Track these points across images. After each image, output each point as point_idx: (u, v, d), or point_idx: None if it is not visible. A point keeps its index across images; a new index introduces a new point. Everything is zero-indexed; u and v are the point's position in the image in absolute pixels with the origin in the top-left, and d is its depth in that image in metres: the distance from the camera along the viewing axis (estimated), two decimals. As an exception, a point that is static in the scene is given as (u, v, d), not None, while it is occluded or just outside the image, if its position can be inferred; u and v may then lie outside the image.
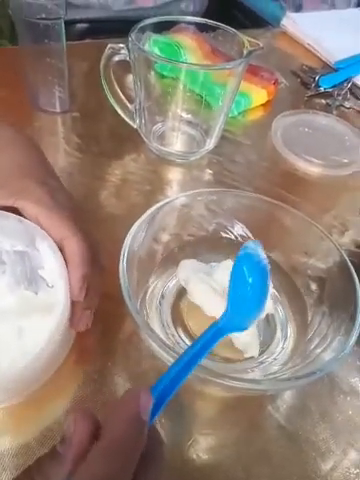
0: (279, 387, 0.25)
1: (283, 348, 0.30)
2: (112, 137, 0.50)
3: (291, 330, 0.32)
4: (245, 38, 0.42)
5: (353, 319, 0.27)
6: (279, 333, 0.31)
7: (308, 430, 0.29)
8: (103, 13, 0.98)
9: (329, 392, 0.31)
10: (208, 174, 0.48)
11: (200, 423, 0.29)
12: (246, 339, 0.29)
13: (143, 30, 0.43)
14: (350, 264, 0.30)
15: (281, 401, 0.30)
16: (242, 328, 0.27)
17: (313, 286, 0.33)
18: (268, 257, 0.35)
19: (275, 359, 0.30)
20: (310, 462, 0.28)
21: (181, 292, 0.33)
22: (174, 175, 0.48)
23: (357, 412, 0.30)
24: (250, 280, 0.26)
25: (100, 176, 0.45)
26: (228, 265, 0.32)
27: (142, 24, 0.42)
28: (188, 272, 0.32)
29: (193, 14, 1.02)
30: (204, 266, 0.33)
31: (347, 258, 0.31)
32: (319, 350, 0.28)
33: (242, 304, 0.26)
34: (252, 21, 1.03)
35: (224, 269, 0.31)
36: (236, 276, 0.26)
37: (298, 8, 0.98)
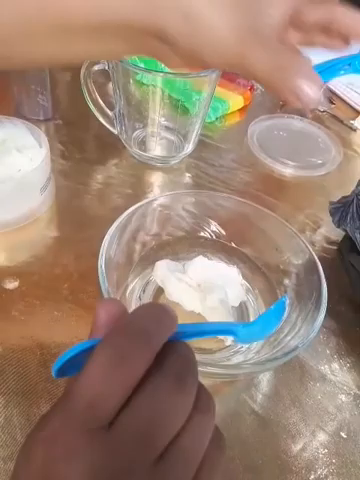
0: (251, 370, 0.27)
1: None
2: (94, 143, 0.52)
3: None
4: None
5: (318, 308, 0.29)
6: (252, 319, 0.33)
7: (280, 415, 0.31)
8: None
9: (300, 379, 0.33)
10: (187, 177, 0.50)
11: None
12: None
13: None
14: (317, 259, 0.33)
15: (255, 389, 0.32)
16: (243, 342, 0.28)
17: (284, 280, 0.35)
18: (242, 253, 0.38)
19: (249, 348, 0.32)
20: (281, 444, 0.30)
21: (159, 291, 0.35)
22: (154, 179, 0.49)
23: (326, 397, 0.32)
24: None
25: (83, 181, 0.47)
26: (200, 261, 0.34)
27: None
28: (164, 272, 0.34)
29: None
30: (178, 265, 0.35)
31: (314, 254, 0.33)
32: (289, 338, 0.30)
33: (259, 331, 0.26)
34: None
35: (196, 265, 0.34)
36: (274, 312, 0.26)
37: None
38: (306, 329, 0.29)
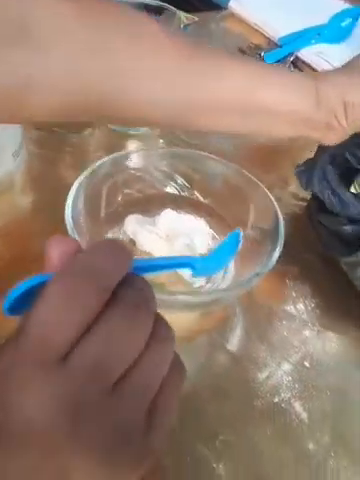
0: (218, 296, 0.29)
1: (224, 277, 0.34)
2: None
3: (231, 264, 0.36)
4: (182, 14, 0.46)
5: (274, 249, 0.31)
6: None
7: (249, 350, 0.33)
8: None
9: (267, 319, 0.35)
10: (160, 143, 0.52)
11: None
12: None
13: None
14: (277, 207, 0.34)
15: (227, 331, 0.34)
16: (201, 274, 0.30)
17: (247, 229, 0.37)
18: (209, 207, 0.39)
19: (218, 287, 0.34)
20: (249, 374, 0.32)
21: (130, 244, 0.37)
22: (129, 145, 0.51)
23: (292, 333, 0.35)
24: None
25: (57, 149, 0.48)
26: (167, 213, 0.36)
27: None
28: (134, 225, 0.36)
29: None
30: (148, 219, 0.37)
31: (275, 203, 0.35)
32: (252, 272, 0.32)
33: (216, 262, 0.28)
34: (206, 4, 1.07)
35: (165, 217, 0.35)
36: (229, 244, 0.28)
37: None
38: (266, 262, 0.31)
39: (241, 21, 0.78)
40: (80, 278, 0.15)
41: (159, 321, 0.17)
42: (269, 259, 0.30)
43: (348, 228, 0.36)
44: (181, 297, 0.28)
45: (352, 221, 0.36)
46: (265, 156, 0.52)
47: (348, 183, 0.39)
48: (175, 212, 0.37)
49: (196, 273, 0.25)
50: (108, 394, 0.15)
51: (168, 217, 0.36)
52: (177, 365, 0.18)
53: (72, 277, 0.15)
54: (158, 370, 0.17)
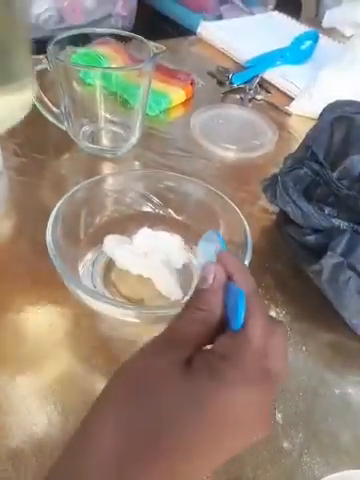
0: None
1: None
2: (45, 140, 0.55)
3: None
4: (152, 44, 0.49)
5: (244, 259, 0.33)
6: (196, 279, 0.37)
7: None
8: (35, 34, 1.03)
9: (241, 327, 0.37)
10: (136, 165, 0.54)
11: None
12: (169, 285, 0.35)
13: (62, 43, 0.49)
14: (244, 221, 0.37)
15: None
16: None
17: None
18: (184, 224, 0.42)
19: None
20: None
21: (109, 263, 0.39)
22: (105, 168, 0.53)
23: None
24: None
25: (37, 175, 0.50)
26: (144, 231, 0.38)
27: (59, 37, 0.48)
28: (112, 245, 0.38)
29: (122, 29, 1.08)
30: (125, 238, 0.39)
31: (242, 217, 0.37)
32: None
33: None
34: (179, 31, 1.12)
35: (141, 235, 0.37)
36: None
37: (219, 18, 1.08)
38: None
39: (210, 46, 0.82)
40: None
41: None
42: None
43: (312, 238, 0.38)
44: (160, 311, 0.30)
45: (315, 231, 0.39)
46: (235, 173, 0.55)
47: (311, 195, 0.42)
48: (151, 230, 0.39)
49: None
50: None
51: (145, 235, 0.38)
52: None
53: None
54: None
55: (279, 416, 0.32)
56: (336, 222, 0.38)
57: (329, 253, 0.36)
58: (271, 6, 1.17)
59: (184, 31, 1.07)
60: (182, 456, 0.18)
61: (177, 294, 0.36)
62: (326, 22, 0.61)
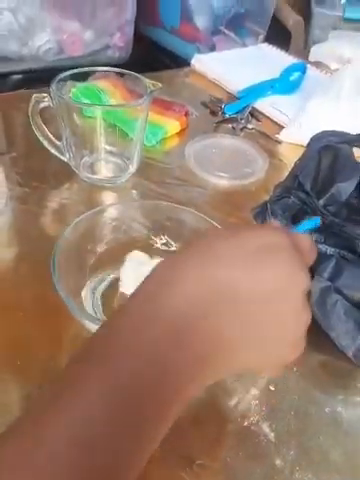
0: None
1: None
2: (47, 171, 0.58)
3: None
4: (148, 81, 0.52)
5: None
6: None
7: (219, 380, 0.37)
8: (36, 64, 1.07)
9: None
10: (134, 194, 0.57)
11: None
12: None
13: (64, 80, 0.52)
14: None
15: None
16: None
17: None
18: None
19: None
20: (220, 402, 0.35)
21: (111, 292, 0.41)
22: (105, 197, 0.56)
23: (258, 361, 0.38)
24: None
25: (39, 204, 0.53)
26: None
27: (62, 76, 0.51)
28: (128, 265, 0.40)
29: (119, 60, 1.13)
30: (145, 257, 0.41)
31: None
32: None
33: None
34: (174, 61, 1.17)
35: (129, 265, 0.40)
36: None
37: (212, 48, 1.13)
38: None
39: (203, 77, 0.86)
40: None
41: None
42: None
43: (300, 263, 0.41)
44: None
45: (304, 256, 0.41)
46: (228, 200, 0.58)
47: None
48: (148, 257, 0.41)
49: None
50: None
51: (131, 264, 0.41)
52: None
53: None
54: None
55: (272, 435, 0.33)
56: (323, 248, 0.40)
57: (316, 277, 0.38)
58: (261, 37, 1.22)
59: (179, 61, 1.12)
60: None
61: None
62: (313, 56, 0.65)
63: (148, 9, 1.19)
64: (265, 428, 0.34)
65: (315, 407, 0.36)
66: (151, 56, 1.27)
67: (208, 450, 0.33)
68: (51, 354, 0.37)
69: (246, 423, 0.34)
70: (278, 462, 0.32)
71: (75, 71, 0.53)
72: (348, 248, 0.39)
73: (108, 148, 0.56)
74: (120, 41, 1.13)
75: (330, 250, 0.40)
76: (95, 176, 0.56)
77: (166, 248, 0.44)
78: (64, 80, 0.52)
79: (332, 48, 0.59)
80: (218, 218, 0.53)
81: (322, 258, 0.39)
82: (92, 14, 1.06)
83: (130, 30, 1.12)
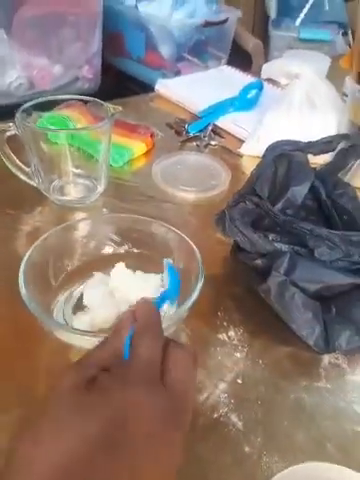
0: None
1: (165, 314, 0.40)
2: (18, 196, 0.60)
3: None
4: (109, 105, 0.56)
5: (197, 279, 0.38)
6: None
7: (190, 377, 0.39)
8: (7, 100, 1.10)
9: (205, 347, 0.41)
10: (104, 212, 0.59)
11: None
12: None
13: (29, 110, 0.55)
14: (197, 252, 0.41)
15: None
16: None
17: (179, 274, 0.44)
18: (146, 259, 0.46)
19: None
20: (191, 397, 0.37)
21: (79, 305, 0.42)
22: (76, 217, 0.58)
23: (225, 356, 0.40)
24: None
25: (13, 228, 0.55)
26: (118, 269, 0.42)
27: (26, 105, 0.54)
28: (91, 285, 0.42)
29: (89, 90, 1.18)
30: (106, 277, 0.43)
31: (196, 249, 0.42)
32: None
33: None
34: (143, 88, 1.22)
35: (115, 274, 0.42)
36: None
37: (177, 74, 1.18)
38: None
39: (167, 100, 0.91)
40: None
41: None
42: (193, 292, 0.37)
43: (259, 262, 0.43)
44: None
45: (262, 255, 0.44)
46: (195, 212, 0.60)
47: (259, 225, 0.47)
48: (129, 270, 0.43)
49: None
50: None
51: (121, 274, 0.43)
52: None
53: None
54: None
55: (240, 424, 0.35)
56: (278, 246, 0.43)
57: (273, 273, 0.41)
58: (224, 61, 1.29)
59: (147, 87, 1.17)
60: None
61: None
62: (264, 74, 0.70)
63: (114, 41, 1.26)
64: (233, 418, 0.35)
65: (280, 395, 0.38)
66: (120, 85, 1.33)
67: (181, 444, 0.34)
68: (27, 370, 0.38)
69: (216, 415, 0.36)
70: (247, 449, 0.34)
71: (39, 100, 0.56)
72: (300, 244, 0.42)
73: (76, 171, 0.59)
74: (88, 73, 1.18)
75: (284, 247, 0.43)
76: (65, 198, 0.58)
77: (132, 257, 0.47)
78: (29, 109, 0.55)
79: (281, 65, 0.64)
80: (187, 229, 0.56)
81: (277, 255, 0.42)
82: (59, 49, 1.10)
83: (98, 62, 1.17)
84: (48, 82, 1.13)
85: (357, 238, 0.40)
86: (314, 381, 0.39)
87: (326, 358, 0.41)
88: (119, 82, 1.34)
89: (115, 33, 1.25)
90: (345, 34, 0.61)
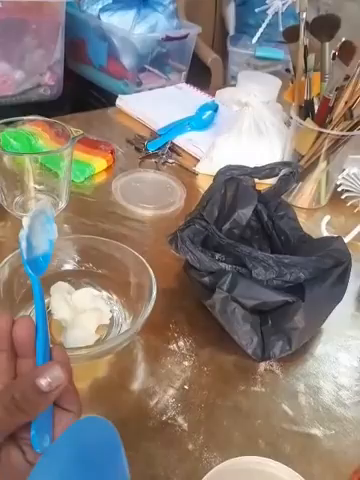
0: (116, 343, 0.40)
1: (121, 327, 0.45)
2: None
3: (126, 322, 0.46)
4: (72, 129, 0.59)
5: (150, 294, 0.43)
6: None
7: (140, 384, 0.43)
8: (-32, 104, 1.10)
9: (155, 358, 0.46)
10: (66, 228, 0.63)
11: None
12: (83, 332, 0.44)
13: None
14: (151, 271, 0.46)
15: (124, 370, 0.44)
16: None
17: (133, 290, 0.48)
18: (103, 276, 0.50)
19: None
20: (142, 403, 0.42)
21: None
22: (37, 233, 0.61)
23: (174, 365, 0.45)
24: None
25: (-26, 244, 0.57)
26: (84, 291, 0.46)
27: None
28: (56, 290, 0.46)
29: (51, 97, 1.19)
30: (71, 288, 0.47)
31: (148, 266, 0.47)
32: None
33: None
34: (105, 96, 1.25)
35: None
36: None
37: (139, 84, 1.23)
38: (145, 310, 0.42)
39: (129, 116, 0.95)
40: None
41: None
42: (147, 307, 0.41)
43: (206, 279, 0.48)
44: (83, 351, 0.38)
45: (209, 273, 0.49)
46: (153, 228, 0.65)
47: (209, 245, 0.52)
48: (93, 289, 0.48)
49: None
50: None
51: (83, 292, 0.47)
52: None
53: None
54: None
55: (185, 425, 0.40)
56: (223, 265, 0.48)
57: (217, 290, 0.46)
58: (184, 73, 1.34)
59: (108, 95, 1.20)
60: None
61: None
62: (218, 99, 0.75)
63: (77, 48, 1.28)
64: (180, 420, 0.40)
65: (221, 398, 0.43)
66: (82, 91, 1.35)
67: (132, 443, 0.38)
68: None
69: (164, 418, 0.40)
70: (190, 446, 0.39)
71: (4, 121, 0.58)
72: (241, 264, 0.48)
73: (38, 187, 0.61)
74: (51, 80, 1.19)
75: (228, 267, 0.48)
76: (27, 214, 0.61)
77: (90, 274, 0.51)
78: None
79: (231, 93, 0.69)
80: (144, 245, 0.60)
81: (221, 274, 0.47)
82: (21, 56, 1.12)
83: (60, 69, 1.19)
84: (10, 87, 1.14)
85: (288, 260, 0.46)
86: (251, 385, 0.44)
87: (262, 365, 0.46)
88: (81, 88, 1.36)
89: (77, 40, 1.28)
90: (288, 71, 0.67)
